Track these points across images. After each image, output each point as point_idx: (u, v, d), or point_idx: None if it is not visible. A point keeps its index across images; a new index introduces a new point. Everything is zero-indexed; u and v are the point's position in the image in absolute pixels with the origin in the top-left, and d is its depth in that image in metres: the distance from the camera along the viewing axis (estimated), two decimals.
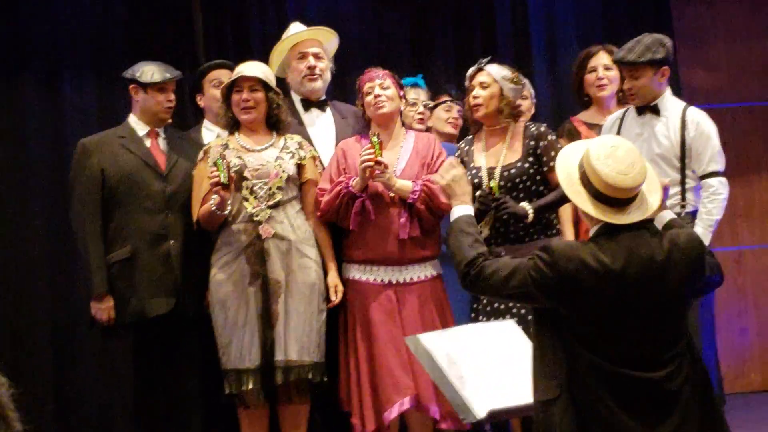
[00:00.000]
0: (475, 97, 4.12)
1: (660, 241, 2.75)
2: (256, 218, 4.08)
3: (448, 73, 5.36)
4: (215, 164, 3.94)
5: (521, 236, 4.06)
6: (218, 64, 4.78)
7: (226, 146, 4.14)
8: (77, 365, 5.16)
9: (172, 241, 4.23)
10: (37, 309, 5.21)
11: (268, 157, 4.15)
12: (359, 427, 4.12)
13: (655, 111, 4.36)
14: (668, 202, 3.70)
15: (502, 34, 5.86)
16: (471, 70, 4.21)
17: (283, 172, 4.13)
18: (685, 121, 4.32)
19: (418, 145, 4.29)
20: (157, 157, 4.30)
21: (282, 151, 4.18)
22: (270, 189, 4.10)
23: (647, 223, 2.81)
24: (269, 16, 5.59)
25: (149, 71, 4.31)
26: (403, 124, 4.43)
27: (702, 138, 4.30)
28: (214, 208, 4.00)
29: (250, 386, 4.04)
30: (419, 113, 4.73)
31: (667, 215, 2.96)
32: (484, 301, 4.07)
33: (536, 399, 2.78)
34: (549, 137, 4.15)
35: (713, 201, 4.27)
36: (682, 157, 4.31)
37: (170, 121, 4.41)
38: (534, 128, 4.18)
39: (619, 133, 4.33)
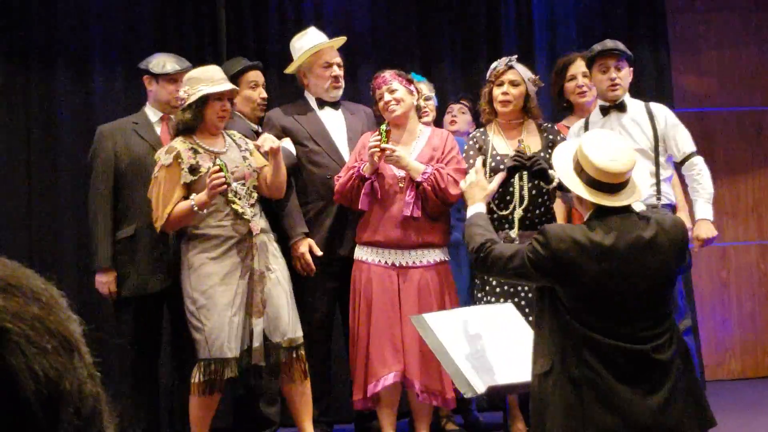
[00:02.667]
0: (505, 93, 4.27)
1: (647, 223, 2.88)
2: (245, 217, 4.08)
3: (455, 75, 5.35)
4: (220, 168, 3.92)
5: (542, 222, 4.13)
6: (255, 65, 4.70)
7: (194, 150, 4.08)
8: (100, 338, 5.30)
9: None
10: (64, 285, 5.34)
11: (235, 158, 4.15)
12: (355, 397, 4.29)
13: (622, 108, 4.35)
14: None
15: (507, 40, 5.87)
16: (500, 66, 4.31)
17: (254, 171, 4.18)
18: (652, 114, 4.34)
19: (433, 139, 4.38)
20: (165, 143, 4.27)
21: (240, 151, 4.20)
22: (248, 189, 4.14)
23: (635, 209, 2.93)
24: (288, 15, 5.60)
25: (161, 62, 4.36)
26: (420, 117, 4.51)
27: (673, 126, 4.34)
28: (196, 208, 3.97)
29: (233, 374, 4.03)
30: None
31: (639, 207, 3.06)
32: (494, 283, 4.19)
33: (533, 373, 2.92)
34: (560, 136, 4.38)
35: (704, 176, 4.29)
36: (656, 149, 4.30)
37: None
38: (548, 126, 4.42)
39: None
